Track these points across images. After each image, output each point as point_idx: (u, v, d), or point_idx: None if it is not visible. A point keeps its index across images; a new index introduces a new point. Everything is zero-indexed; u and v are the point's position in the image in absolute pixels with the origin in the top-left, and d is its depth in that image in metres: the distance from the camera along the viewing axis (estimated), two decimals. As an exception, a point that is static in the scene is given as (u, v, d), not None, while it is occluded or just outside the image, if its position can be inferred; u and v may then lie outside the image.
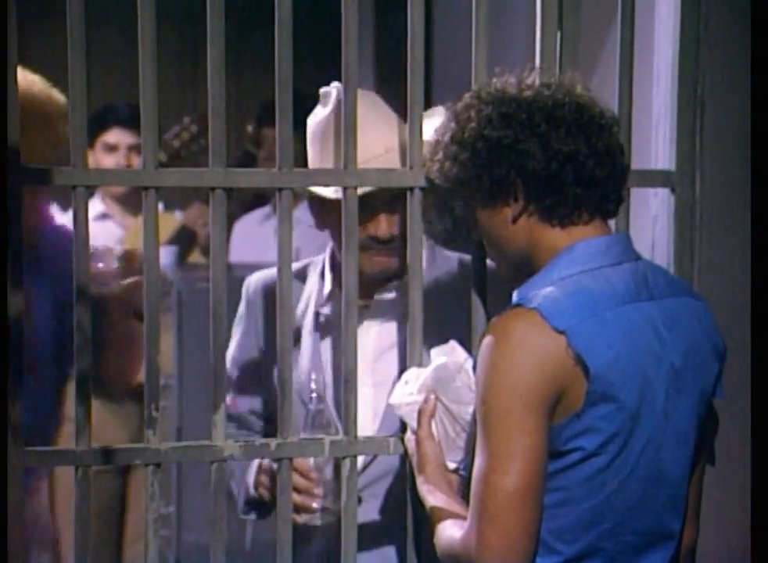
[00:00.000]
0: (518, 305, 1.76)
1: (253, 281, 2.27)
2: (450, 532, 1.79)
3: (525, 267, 1.85)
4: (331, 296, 2.20)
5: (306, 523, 2.06)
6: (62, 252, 2.17)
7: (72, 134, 1.91)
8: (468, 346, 1.99)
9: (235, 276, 2.31)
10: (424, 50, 2.02)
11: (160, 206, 1.99)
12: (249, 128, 4.31)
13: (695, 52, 2.13)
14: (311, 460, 2.05)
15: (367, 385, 2.12)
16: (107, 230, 3.68)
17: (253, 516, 2.21)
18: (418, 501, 1.95)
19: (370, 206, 2.03)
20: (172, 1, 2.97)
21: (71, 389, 1.99)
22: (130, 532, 3.18)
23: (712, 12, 2.17)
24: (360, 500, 2.08)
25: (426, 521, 1.90)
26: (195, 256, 3.99)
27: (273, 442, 1.99)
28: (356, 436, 2.02)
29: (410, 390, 1.95)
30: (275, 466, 2.03)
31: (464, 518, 1.75)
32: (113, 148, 3.78)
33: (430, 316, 2.04)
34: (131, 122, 3.46)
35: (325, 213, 2.11)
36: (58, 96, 2.23)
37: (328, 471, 2.06)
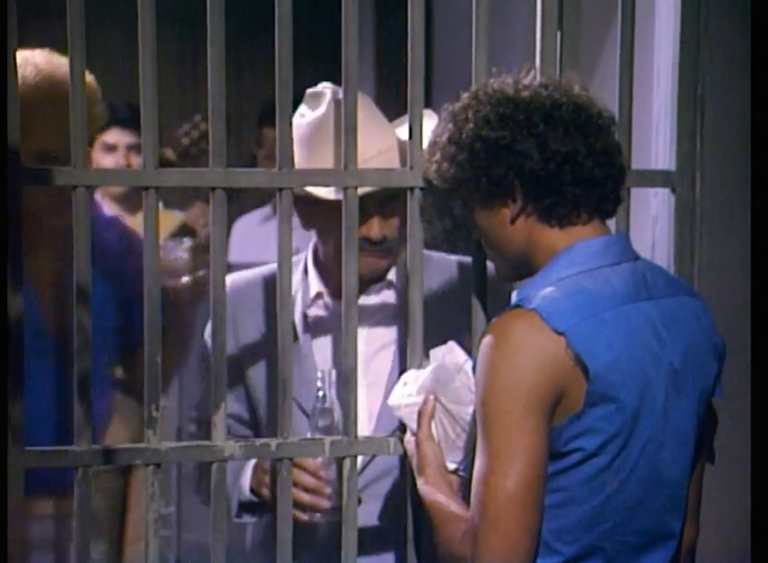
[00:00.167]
0: (517, 306, 1.76)
1: (229, 283, 2.27)
2: (450, 533, 1.78)
3: (524, 268, 1.85)
4: (319, 297, 2.20)
5: (311, 521, 2.05)
6: (115, 245, 2.21)
7: (72, 134, 1.90)
8: (466, 346, 1.99)
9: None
10: (424, 50, 2.02)
11: (159, 204, 1.98)
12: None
13: (695, 53, 2.13)
14: (319, 460, 2.04)
15: (361, 386, 2.12)
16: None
17: (246, 519, 2.20)
18: (418, 502, 1.95)
19: (363, 207, 2.03)
20: (172, 1, 2.97)
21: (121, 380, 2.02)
22: (130, 532, 3.18)
23: (712, 12, 2.17)
24: (359, 501, 2.08)
25: (426, 522, 1.90)
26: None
27: (273, 442, 1.99)
28: (356, 436, 2.02)
29: (409, 391, 1.95)
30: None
31: (465, 519, 1.75)
32: (112, 148, 3.78)
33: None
34: (131, 122, 3.46)
35: (313, 213, 2.11)
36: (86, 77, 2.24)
37: (332, 471, 2.06)
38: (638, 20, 2.08)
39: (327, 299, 2.20)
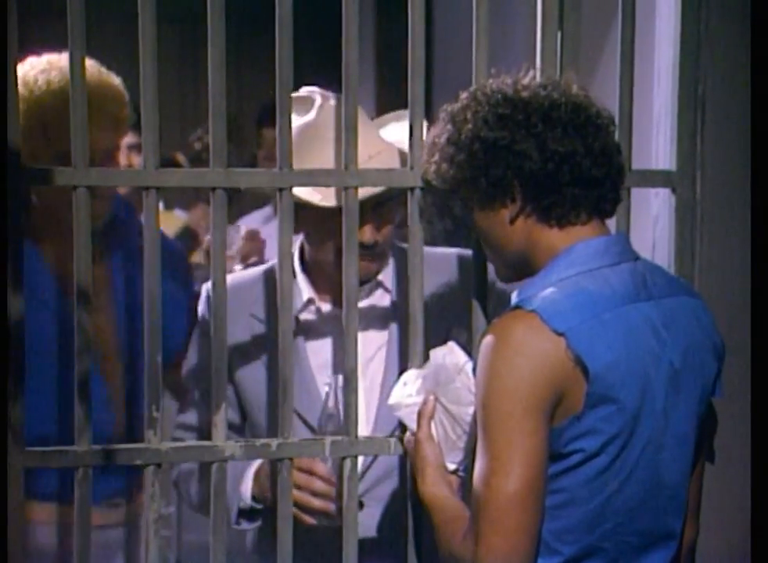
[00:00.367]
0: (517, 307, 1.76)
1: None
2: (451, 533, 1.78)
3: (523, 269, 1.84)
4: (310, 302, 2.20)
5: (319, 525, 2.05)
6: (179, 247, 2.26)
7: (72, 134, 1.91)
8: (466, 346, 1.99)
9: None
10: (424, 50, 2.02)
11: (160, 205, 1.99)
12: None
13: (696, 53, 2.13)
14: (329, 463, 2.04)
15: (360, 389, 2.12)
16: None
17: (245, 526, 2.20)
18: (418, 504, 1.95)
19: None
20: (172, 1, 2.98)
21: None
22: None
23: (712, 12, 2.17)
24: (361, 505, 2.08)
25: (426, 522, 1.90)
26: (197, 257, 3.98)
27: (274, 443, 1.99)
28: (356, 436, 2.02)
29: (409, 392, 1.95)
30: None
31: (465, 520, 1.75)
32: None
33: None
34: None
35: (304, 217, 2.10)
36: (112, 79, 2.24)
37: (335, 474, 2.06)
38: (638, 20, 2.08)
39: (318, 303, 2.21)
